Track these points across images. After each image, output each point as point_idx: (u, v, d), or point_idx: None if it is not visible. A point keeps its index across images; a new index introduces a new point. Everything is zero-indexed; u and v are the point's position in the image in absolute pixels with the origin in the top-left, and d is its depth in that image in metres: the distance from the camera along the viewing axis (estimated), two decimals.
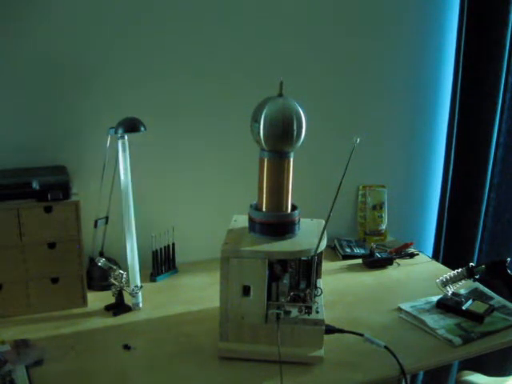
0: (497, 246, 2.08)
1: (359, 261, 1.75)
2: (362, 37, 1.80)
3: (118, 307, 1.38)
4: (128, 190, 1.39)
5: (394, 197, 2.01)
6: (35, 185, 1.30)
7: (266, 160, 1.18)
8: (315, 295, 1.21)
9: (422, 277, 1.64)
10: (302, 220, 1.26)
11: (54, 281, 1.36)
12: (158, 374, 1.12)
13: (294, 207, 1.24)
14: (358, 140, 1.10)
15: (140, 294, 1.40)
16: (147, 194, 1.61)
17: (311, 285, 1.20)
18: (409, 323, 1.33)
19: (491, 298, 1.44)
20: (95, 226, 1.51)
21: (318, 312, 1.17)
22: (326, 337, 1.17)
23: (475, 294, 1.46)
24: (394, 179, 2.02)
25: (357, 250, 1.82)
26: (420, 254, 1.83)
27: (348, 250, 1.81)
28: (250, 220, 1.22)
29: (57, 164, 1.49)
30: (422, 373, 1.99)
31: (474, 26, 1.85)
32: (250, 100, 1.19)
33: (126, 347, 1.21)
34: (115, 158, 1.44)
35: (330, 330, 1.19)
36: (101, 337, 1.26)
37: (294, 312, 1.17)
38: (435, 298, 1.41)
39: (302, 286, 1.23)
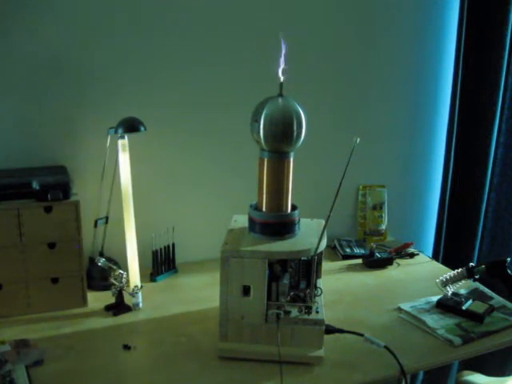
0: (497, 246, 2.08)
1: (359, 261, 1.75)
2: (361, 36, 1.80)
3: (118, 307, 1.38)
4: (128, 190, 1.40)
5: (393, 197, 2.01)
6: (35, 185, 1.30)
7: (265, 160, 1.18)
8: (315, 295, 1.21)
9: (422, 277, 1.64)
10: (301, 220, 1.25)
11: (54, 281, 1.36)
12: (158, 373, 1.12)
13: (293, 207, 1.24)
14: (358, 140, 1.10)
15: (140, 294, 1.40)
16: (147, 193, 1.61)
17: (311, 285, 1.20)
18: (409, 323, 1.33)
19: (491, 298, 1.44)
20: (95, 225, 1.51)
21: (317, 312, 1.17)
22: (326, 337, 1.17)
23: (475, 294, 1.46)
24: (394, 179, 2.02)
25: (357, 250, 1.82)
26: (420, 253, 1.83)
27: (348, 250, 1.81)
28: (250, 220, 1.22)
29: (57, 164, 1.49)
30: (422, 373, 1.99)
31: (474, 25, 1.85)
32: (250, 100, 1.19)
33: (126, 347, 1.21)
34: (115, 157, 1.45)
35: (330, 330, 1.18)
36: (101, 337, 1.26)
37: (294, 312, 1.17)
38: (435, 298, 1.41)
39: (302, 285, 1.23)
